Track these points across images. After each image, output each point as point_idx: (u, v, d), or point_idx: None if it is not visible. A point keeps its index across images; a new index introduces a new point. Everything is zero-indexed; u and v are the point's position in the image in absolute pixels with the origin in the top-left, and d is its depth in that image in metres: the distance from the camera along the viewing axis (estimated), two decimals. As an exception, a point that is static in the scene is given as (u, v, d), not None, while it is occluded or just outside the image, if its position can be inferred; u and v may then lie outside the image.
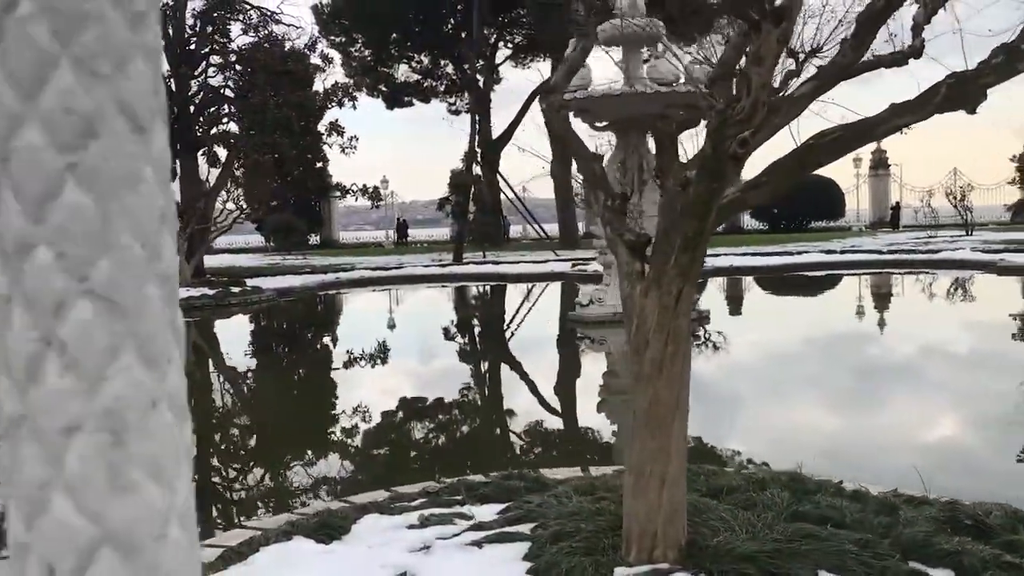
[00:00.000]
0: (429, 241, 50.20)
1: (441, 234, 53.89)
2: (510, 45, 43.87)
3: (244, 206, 23.76)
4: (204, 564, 4.35)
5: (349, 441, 8.23)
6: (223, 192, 25.50)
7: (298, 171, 29.72)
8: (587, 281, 24.16)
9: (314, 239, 47.29)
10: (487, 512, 4.73)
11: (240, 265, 31.50)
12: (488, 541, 4.13)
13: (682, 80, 13.81)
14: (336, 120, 26.91)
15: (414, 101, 44.75)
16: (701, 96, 3.81)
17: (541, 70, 43.73)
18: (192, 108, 27.47)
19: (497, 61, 43.21)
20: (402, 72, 43.56)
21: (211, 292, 20.42)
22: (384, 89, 42.97)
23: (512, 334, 16.20)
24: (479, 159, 32.00)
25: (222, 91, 27.52)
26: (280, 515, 5.21)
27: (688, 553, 3.68)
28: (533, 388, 10.79)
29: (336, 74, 32.06)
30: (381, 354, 13.84)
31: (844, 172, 49.91)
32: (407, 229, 50.55)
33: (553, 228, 43.10)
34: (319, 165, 36.97)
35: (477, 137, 32.99)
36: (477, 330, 17.49)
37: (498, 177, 32.98)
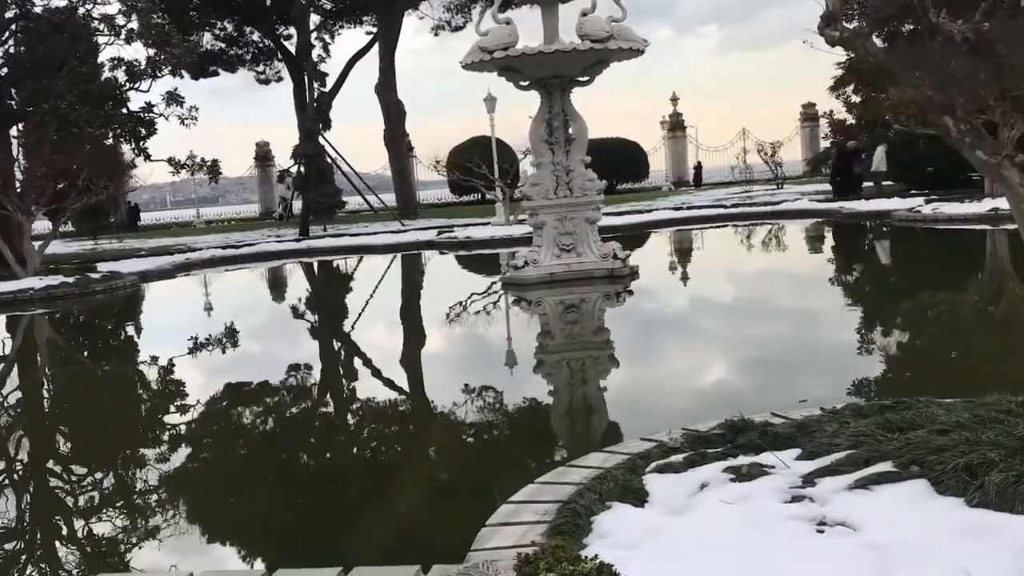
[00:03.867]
0: (234, 219, 47.94)
1: (231, 212, 51.57)
2: (320, 12, 42.28)
3: (86, 184, 21.45)
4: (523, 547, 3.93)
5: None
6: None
7: (123, 145, 27.34)
8: (457, 248, 23.98)
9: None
10: (788, 458, 4.57)
11: (55, 252, 28.67)
12: (871, 483, 3.98)
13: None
14: (176, 89, 25.00)
15: (219, 71, 42.30)
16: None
17: (353, 37, 42.57)
18: (-1, 79, 24.67)
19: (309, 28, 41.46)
20: (206, 40, 41.00)
21: (70, 280, 18.55)
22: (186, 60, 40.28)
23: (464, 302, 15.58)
24: (316, 129, 30.70)
25: (26, 59, 24.78)
26: (526, 487, 4.78)
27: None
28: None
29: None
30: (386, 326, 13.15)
31: (646, 134, 51.66)
32: (139, 213, 47.57)
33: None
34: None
35: (314, 105, 31.60)
36: (437, 299, 16.49)
37: (329, 148, 31.82)
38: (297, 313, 16.61)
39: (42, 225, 41.53)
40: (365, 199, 38.37)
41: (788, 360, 8.96)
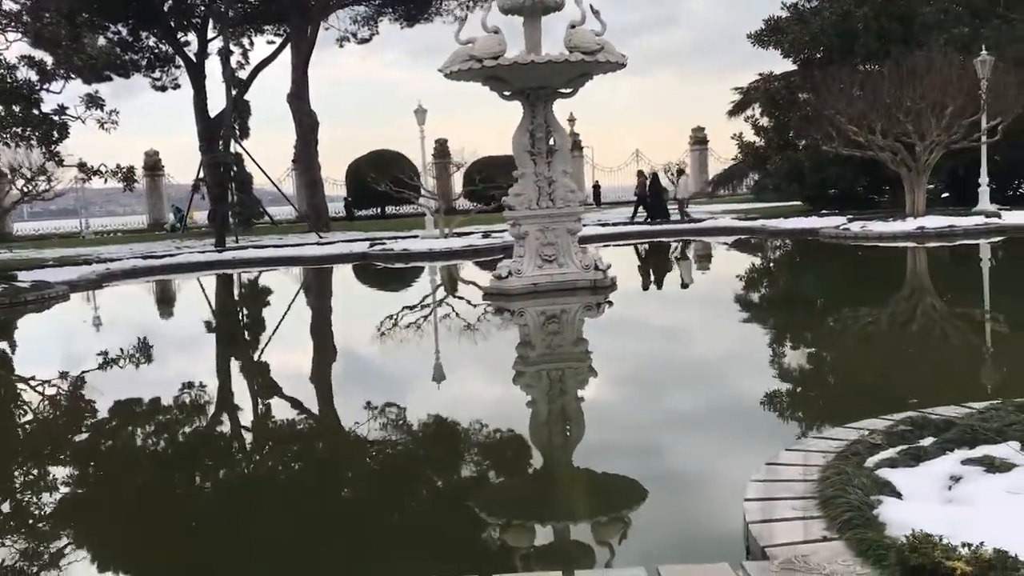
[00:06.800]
0: (121, 231, 45.94)
1: (118, 223, 49.40)
2: (221, 18, 41.02)
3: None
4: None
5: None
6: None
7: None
8: (394, 261, 23.57)
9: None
10: (1016, 449, 4.68)
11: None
12: None
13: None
14: (96, 91, 23.81)
15: (113, 76, 40.44)
16: None
17: (253, 45, 41.56)
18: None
19: (209, 36, 40.27)
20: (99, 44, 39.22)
21: (-2, 289, 17.38)
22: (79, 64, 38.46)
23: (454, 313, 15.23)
24: (235, 137, 29.76)
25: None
26: (749, 485, 4.73)
27: None
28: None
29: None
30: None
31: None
32: None
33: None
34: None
35: (232, 113, 30.58)
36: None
37: (248, 157, 30.91)
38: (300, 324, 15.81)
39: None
40: (266, 212, 37.53)
41: (857, 363, 9.19)
